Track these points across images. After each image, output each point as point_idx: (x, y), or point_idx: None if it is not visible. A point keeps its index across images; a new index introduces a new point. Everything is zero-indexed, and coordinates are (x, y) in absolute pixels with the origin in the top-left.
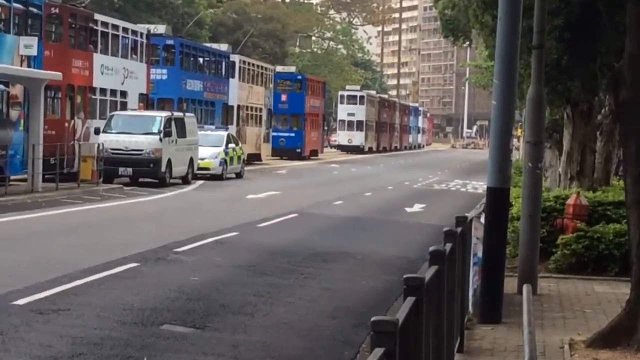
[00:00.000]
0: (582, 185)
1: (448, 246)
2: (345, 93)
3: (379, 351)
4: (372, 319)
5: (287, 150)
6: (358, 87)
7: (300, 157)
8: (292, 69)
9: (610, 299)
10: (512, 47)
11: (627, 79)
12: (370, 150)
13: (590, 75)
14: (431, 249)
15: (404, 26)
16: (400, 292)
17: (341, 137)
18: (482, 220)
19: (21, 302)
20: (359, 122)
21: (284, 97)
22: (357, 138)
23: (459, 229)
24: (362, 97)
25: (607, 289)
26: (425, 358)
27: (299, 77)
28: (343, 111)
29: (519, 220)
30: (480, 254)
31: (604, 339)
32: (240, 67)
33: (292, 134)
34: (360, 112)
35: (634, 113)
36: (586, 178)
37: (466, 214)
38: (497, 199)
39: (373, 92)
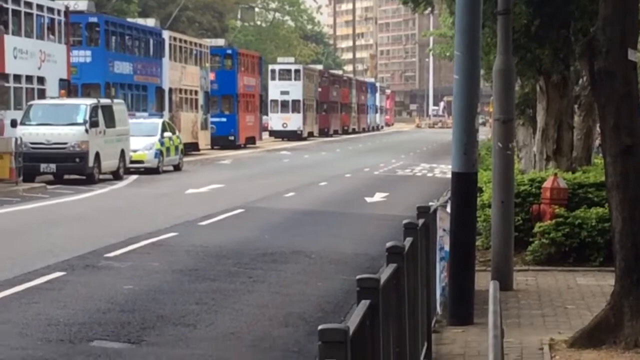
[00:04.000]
0: (560, 165)
1: (408, 241)
2: (277, 67)
3: None
4: (320, 327)
5: (218, 138)
6: (292, 60)
7: (234, 146)
8: (221, 42)
9: (595, 292)
10: (474, 13)
11: (602, 46)
12: (311, 136)
13: (564, 42)
14: (388, 244)
15: None
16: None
17: (274, 120)
18: (449, 209)
19: None
20: (295, 102)
21: (212, 76)
22: (293, 121)
23: (421, 221)
24: (297, 72)
25: (591, 281)
26: None
27: (229, 51)
28: (275, 89)
29: (490, 208)
30: (447, 248)
31: (588, 338)
32: (170, 45)
33: (224, 119)
34: (295, 90)
35: (612, 83)
36: (564, 157)
37: (430, 203)
38: (464, 185)
39: (318, 67)
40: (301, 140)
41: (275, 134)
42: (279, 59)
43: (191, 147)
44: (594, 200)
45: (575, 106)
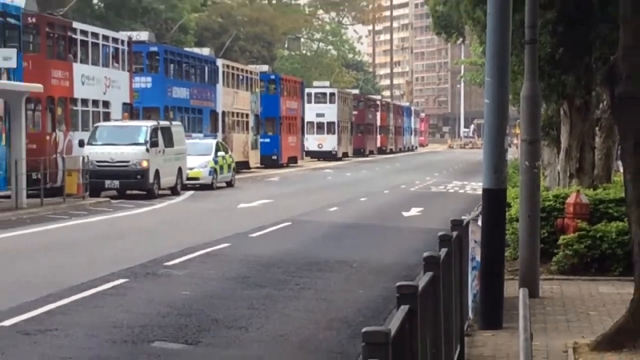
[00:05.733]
0: (582, 183)
1: (443, 251)
2: (313, 90)
3: None
4: (363, 329)
5: (262, 158)
6: (327, 83)
7: (277, 165)
8: (265, 68)
9: (615, 300)
10: (504, 43)
11: (623, 73)
12: (346, 156)
13: (586, 69)
14: (425, 254)
15: (395, 24)
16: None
17: (310, 141)
18: (480, 223)
19: (7, 323)
20: (330, 124)
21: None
22: (328, 142)
23: (455, 233)
24: (332, 95)
25: (611, 290)
26: None
27: (273, 77)
28: (311, 111)
29: (518, 222)
30: (478, 258)
31: (609, 342)
32: (224, 72)
33: (267, 140)
34: (331, 112)
35: (631, 108)
36: (586, 175)
37: (463, 217)
38: (494, 200)
39: (354, 91)
40: (337, 160)
41: (311, 154)
42: (315, 83)
43: (242, 165)
44: (613, 215)
45: (597, 128)
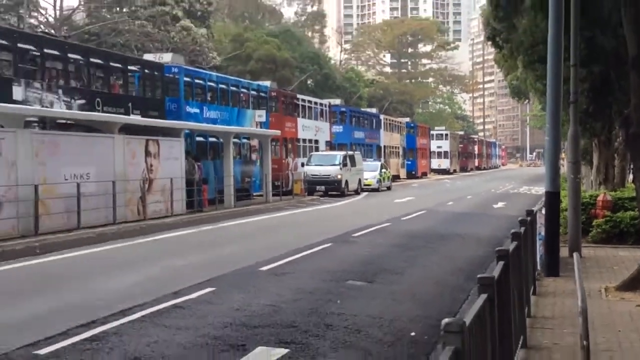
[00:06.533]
0: (607, 187)
1: (522, 229)
2: (435, 132)
3: (484, 295)
4: (478, 275)
5: (407, 173)
6: (443, 128)
7: (415, 177)
8: (407, 119)
9: (630, 260)
10: (557, 103)
11: (634, 120)
12: (454, 172)
13: (608, 118)
14: (512, 231)
15: (486, 92)
16: (493, 258)
17: (433, 162)
18: (543, 212)
19: (264, 268)
20: (445, 152)
21: None
22: (444, 163)
23: (529, 218)
24: (446, 135)
25: (627, 254)
26: (512, 299)
27: (412, 125)
28: (434, 145)
29: (567, 211)
30: (543, 233)
31: (627, 285)
32: (384, 122)
33: (409, 162)
34: (445, 145)
35: (638, 142)
36: (609, 183)
37: (533, 208)
38: (552, 198)
39: (460, 132)
40: (450, 174)
41: (434, 170)
42: (437, 128)
43: (395, 177)
44: (628, 207)
45: (615, 154)
